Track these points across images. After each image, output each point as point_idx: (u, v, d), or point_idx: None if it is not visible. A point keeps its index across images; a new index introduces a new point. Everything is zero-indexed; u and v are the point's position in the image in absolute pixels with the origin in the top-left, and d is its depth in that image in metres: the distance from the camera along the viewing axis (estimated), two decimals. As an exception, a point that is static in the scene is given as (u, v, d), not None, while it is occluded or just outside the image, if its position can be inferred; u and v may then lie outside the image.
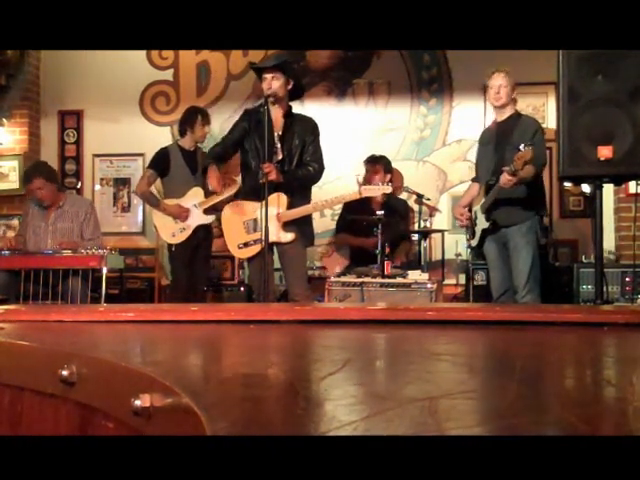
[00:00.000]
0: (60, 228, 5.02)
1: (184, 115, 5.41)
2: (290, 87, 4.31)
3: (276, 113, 4.27)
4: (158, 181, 5.42)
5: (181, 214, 5.17)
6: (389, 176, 5.53)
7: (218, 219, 4.81)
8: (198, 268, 5.35)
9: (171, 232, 5.21)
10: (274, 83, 4.22)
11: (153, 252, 6.21)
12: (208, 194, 5.21)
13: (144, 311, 1.59)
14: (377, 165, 5.52)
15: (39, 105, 6.67)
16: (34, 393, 1.01)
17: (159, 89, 6.62)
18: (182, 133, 5.34)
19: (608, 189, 4.56)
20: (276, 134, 4.24)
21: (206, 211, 5.20)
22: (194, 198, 5.23)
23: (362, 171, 5.67)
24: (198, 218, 5.20)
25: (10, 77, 6.34)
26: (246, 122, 4.34)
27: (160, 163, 5.33)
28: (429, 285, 4.51)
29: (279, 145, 4.24)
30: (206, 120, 5.36)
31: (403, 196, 5.89)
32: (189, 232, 5.18)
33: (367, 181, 5.39)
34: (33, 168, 5.16)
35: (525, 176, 4.13)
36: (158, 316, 1.44)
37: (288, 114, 4.33)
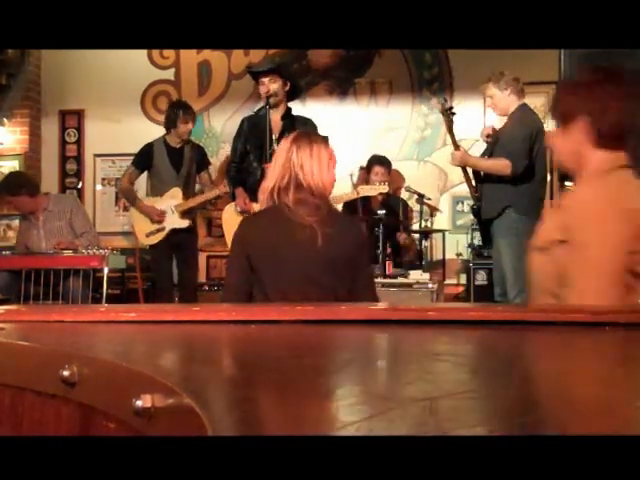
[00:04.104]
0: (50, 229, 5.03)
1: (167, 111, 5.40)
2: (287, 88, 4.33)
3: (274, 116, 4.29)
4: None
5: (155, 216, 5.14)
6: (388, 177, 5.55)
7: (219, 218, 4.83)
8: (185, 268, 5.32)
9: (145, 232, 5.20)
10: (272, 86, 4.24)
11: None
12: (188, 196, 5.20)
13: (145, 311, 1.59)
14: (382, 166, 5.54)
15: (40, 105, 6.68)
16: (35, 393, 1.01)
17: (160, 88, 6.63)
18: (167, 130, 5.33)
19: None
20: (273, 136, 4.26)
21: (183, 215, 5.18)
22: (172, 200, 5.19)
23: (361, 171, 5.68)
24: (173, 221, 5.15)
25: (11, 77, 6.35)
26: (243, 128, 4.41)
27: (142, 159, 5.32)
28: (430, 285, 4.52)
29: (276, 147, 4.27)
30: (188, 115, 5.27)
31: (404, 196, 5.89)
32: (163, 234, 5.14)
33: (367, 181, 5.41)
34: (16, 184, 5.11)
35: (476, 162, 4.31)
36: (159, 316, 1.44)
37: (286, 116, 4.35)
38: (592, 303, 1.74)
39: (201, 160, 5.43)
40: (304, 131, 2.86)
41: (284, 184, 2.48)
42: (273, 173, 2.52)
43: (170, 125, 5.26)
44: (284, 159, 2.51)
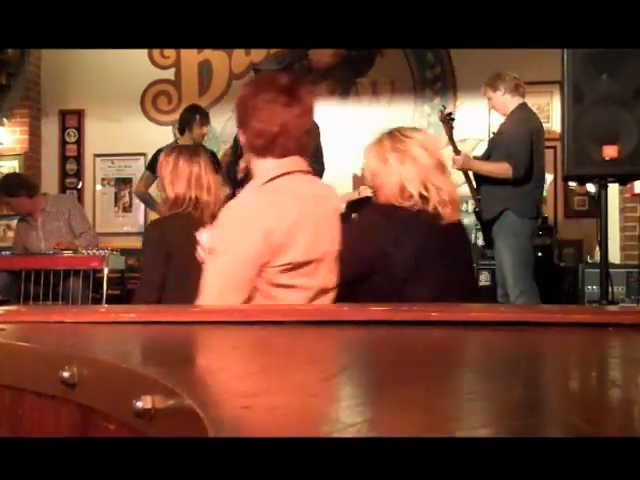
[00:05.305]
0: (49, 230, 5.03)
1: (183, 114, 5.38)
2: None
3: None
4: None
5: None
6: None
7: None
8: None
9: None
10: None
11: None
12: None
13: (146, 312, 1.58)
14: None
15: (40, 104, 6.68)
16: (35, 395, 1.00)
17: (161, 88, 6.63)
18: (181, 132, 5.32)
19: (613, 189, 4.56)
20: None
21: None
22: None
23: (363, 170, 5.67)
24: None
25: (11, 76, 6.35)
26: None
27: (156, 164, 5.32)
28: (433, 285, 4.51)
29: None
30: (205, 120, 5.31)
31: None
32: None
33: None
34: (15, 185, 5.10)
35: (479, 166, 4.31)
36: (160, 317, 1.44)
37: None
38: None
39: (213, 165, 5.45)
40: (188, 145, 3.31)
41: (189, 195, 2.83)
42: (174, 185, 2.86)
43: (185, 127, 5.24)
44: (180, 171, 2.87)
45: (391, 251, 2.14)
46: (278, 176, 1.98)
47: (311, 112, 2.04)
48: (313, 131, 2.09)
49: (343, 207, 5.72)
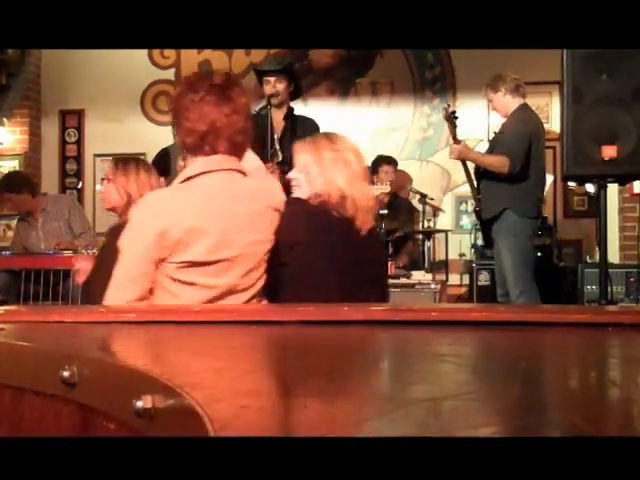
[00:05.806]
0: (49, 229, 5.02)
1: None
2: (291, 89, 4.33)
3: (276, 116, 4.28)
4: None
5: None
6: (394, 175, 5.54)
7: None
8: None
9: None
10: (278, 86, 4.24)
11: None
12: None
13: (146, 312, 1.58)
14: (390, 165, 5.51)
15: (40, 104, 6.67)
16: (35, 394, 1.00)
17: (161, 88, 6.63)
18: None
19: (612, 189, 4.56)
20: (275, 136, 4.25)
21: None
22: None
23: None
24: None
25: (11, 76, 6.34)
26: None
27: (159, 165, 5.31)
28: (433, 285, 4.52)
29: (278, 147, 4.26)
30: None
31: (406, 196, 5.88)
32: None
33: (372, 181, 5.40)
34: (18, 183, 5.09)
35: (476, 157, 4.32)
36: (160, 317, 1.44)
37: (288, 116, 4.34)
38: (111, 299, 1.96)
39: None
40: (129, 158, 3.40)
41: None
42: (140, 192, 2.96)
43: None
44: (144, 178, 3.09)
45: (299, 249, 2.16)
46: (197, 174, 1.99)
47: (243, 111, 2.04)
48: (248, 130, 2.08)
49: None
